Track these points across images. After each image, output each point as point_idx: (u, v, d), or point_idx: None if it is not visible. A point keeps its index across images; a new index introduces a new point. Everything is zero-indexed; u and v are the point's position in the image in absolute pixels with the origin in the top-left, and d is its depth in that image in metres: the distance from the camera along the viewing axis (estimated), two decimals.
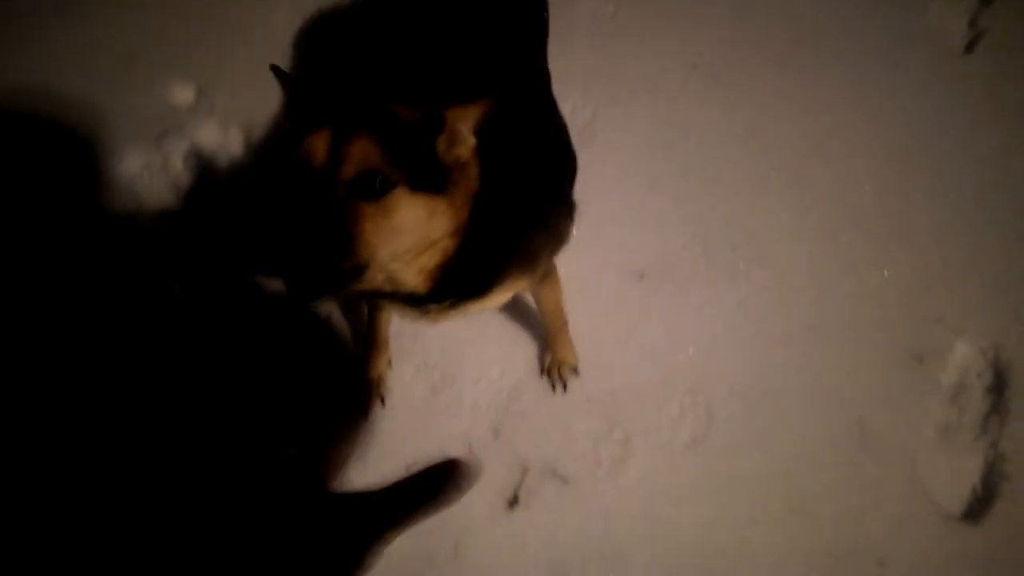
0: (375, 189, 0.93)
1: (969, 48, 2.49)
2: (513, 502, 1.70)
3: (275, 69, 1.12)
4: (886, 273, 2.06)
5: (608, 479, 1.74)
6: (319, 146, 0.93)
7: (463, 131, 1.02)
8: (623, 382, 1.88)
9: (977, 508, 1.73)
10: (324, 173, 0.93)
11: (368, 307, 1.78)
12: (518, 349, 1.93)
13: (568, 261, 2.01)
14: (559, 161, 1.55)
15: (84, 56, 2.43)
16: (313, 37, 2.53)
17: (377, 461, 1.70)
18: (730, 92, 2.44)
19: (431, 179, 0.99)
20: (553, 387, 1.85)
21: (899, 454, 1.80)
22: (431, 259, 1.08)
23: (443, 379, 1.87)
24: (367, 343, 1.80)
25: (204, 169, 2.24)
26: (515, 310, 1.94)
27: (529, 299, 1.86)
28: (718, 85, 2.47)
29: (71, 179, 2.22)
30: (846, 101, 2.40)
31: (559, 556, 1.65)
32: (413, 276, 1.10)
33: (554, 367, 1.86)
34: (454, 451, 1.76)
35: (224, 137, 2.32)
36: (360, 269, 0.97)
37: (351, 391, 1.83)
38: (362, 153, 0.93)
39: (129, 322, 1.96)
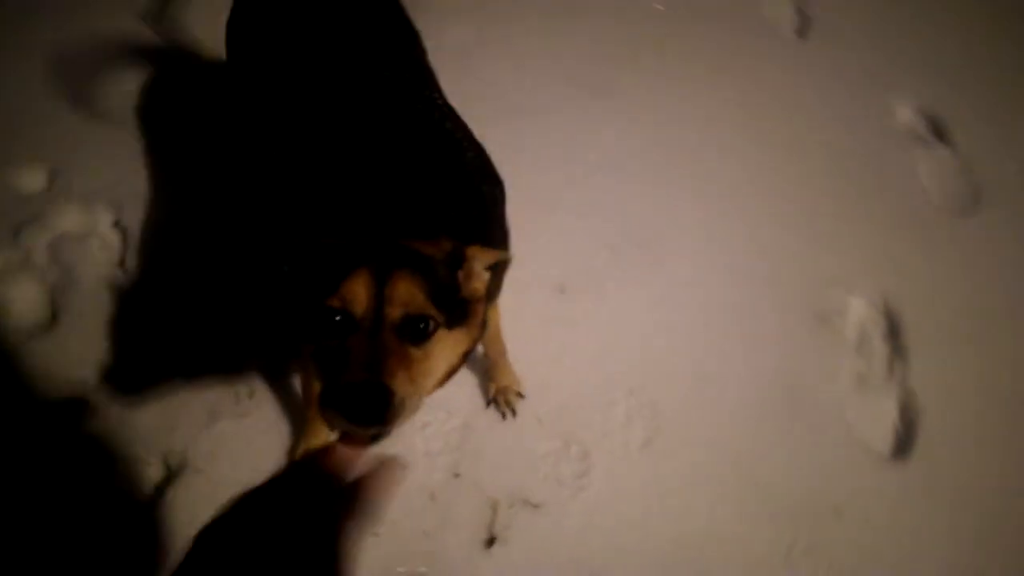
0: (419, 331, 0.91)
1: (801, 33, 2.76)
2: (490, 542, 1.66)
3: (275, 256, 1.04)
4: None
5: (575, 495, 1.75)
6: (360, 292, 0.89)
7: (479, 267, 1.02)
8: (567, 396, 1.89)
9: (904, 443, 1.89)
10: (368, 320, 0.89)
11: (303, 380, 1.69)
12: (459, 388, 1.89)
13: None
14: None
15: None
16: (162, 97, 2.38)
17: None
18: (607, 102, 2.55)
19: (459, 314, 0.98)
20: (503, 415, 1.84)
21: (827, 410, 1.93)
22: (443, 381, 1.05)
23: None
24: (307, 411, 1.71)
25: (74, 259, 2.03)
26: None
27: None
28: (595, 96, 2.56)
29: None
30: (712, 95, 2.57)
31: None
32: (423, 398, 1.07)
33: (499, 395, 1.85)
34: (416, 504, 1.71)
35: (90, 220, 2.12)
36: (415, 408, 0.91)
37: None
38: (408, 294, 0.90)
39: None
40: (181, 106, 2.38)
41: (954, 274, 2.22)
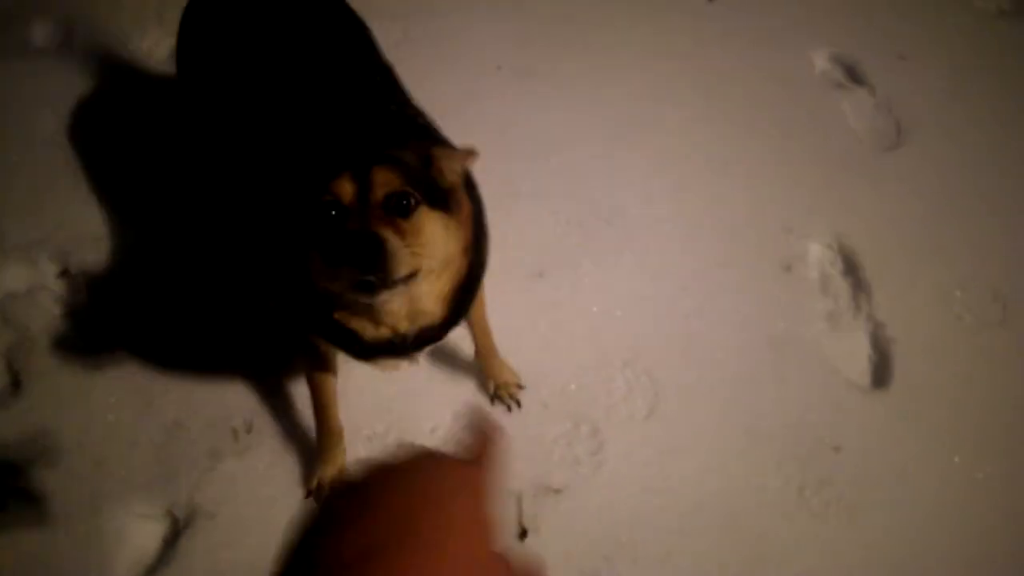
0: (403, 207, 1.08)
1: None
2: (523, 534, 1.67)
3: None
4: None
5: (595, 473, 1.78)
6: (345, 185, 1.06)
7: (449, 166, 1.17)
8: (567, 378, 1.92)
9: (882, 373, 2.01)
10: (357, 203, 1.06)
11: (314, 396, 1.64)
12: (457, 387, 1.88)
13: None
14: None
15: None
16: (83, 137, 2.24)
17: None
18: (543, 84, 2.57)
19: (439, 200, 1.14)
20: (508, 408, 1.84)
21: (807, 352, 2.03)
22: (447, 283, 1.25)
23: (400, 440, 1.78)
24: (319, 436, 1.67)
25: (26, 318, 1.89)
26: (435, 355, 1.90)
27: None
28: (527, 79, 2.58)
29: None
30: (644, 69, 2.64)
31: (584, 565, 1.65)
32: (433, 303, 1.25)
33: (501, 389, 1.85)
34: None
35: (35, 273, 1.97)
36: (413, 275, 1.09)
37: None
38: (386, 179, 1.07)
39: None
40: (115, 130, 2.24)
41: (894, 204, 2.36)
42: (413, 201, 1.08)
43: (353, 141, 1.26)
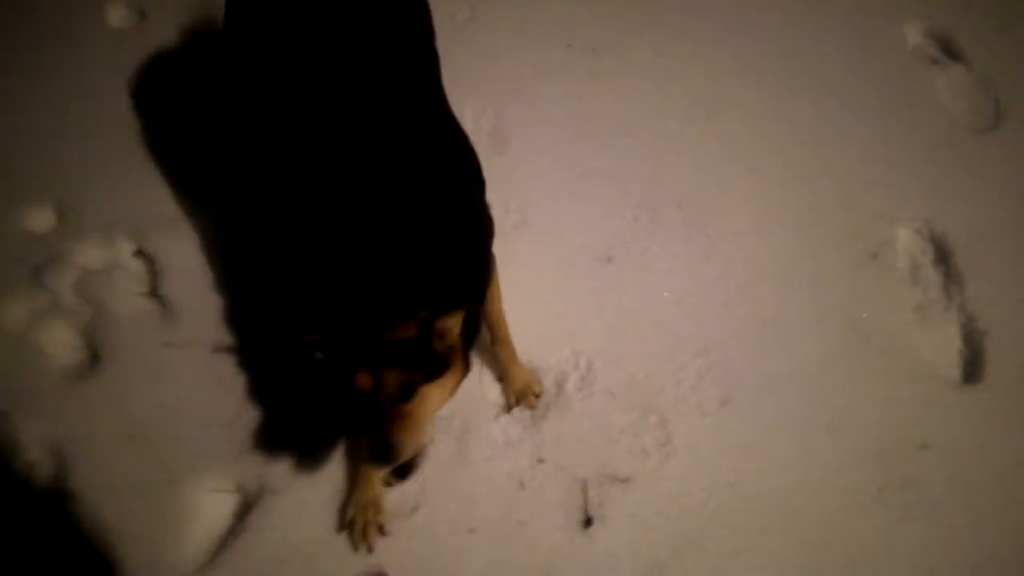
0: (407, 392, 1.33)
1: None
2: (588, 522, 1.64)
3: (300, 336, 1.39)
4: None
5: (663, 463, 1.72)
6: (365, 380, 1.32)
7: (448, 328, 1.37)
8: (635, 366, 1.86)
9: (973, 367, 1.88)
10: (373, 394, 1.33)
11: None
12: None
13: (543, 272, 1.98)
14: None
15: None
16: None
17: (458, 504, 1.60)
18: (612, 61, 2.48)
19: (439, 367, 1.38)
20: (532, 407, 1.80)
21: (893, 344, 1.92)
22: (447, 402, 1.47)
23: (466, 432, 1.76)
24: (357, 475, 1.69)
25: (103, 295, 1.95)
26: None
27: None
28: (598, 57, 2.50)
29: None
30: (721, 47, 2.52)
31: (651, 555, 1.61)
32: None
33: (519, 398, 1.80)
34: (507, 494, 1.68)
35: (111, 253, 2.03)
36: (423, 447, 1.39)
37: None
38: (392, 378, 1.32)
39: None
40: (188, 112, 2.28)
41: (991, 189, 2.20)
42: (415, 386, 1.34)
43: (368, 307, 1.41)
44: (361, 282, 1.42)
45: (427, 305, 1.35)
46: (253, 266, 1.98)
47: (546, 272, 1.99)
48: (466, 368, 1.46)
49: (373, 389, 1.32)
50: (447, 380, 1.39)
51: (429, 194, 1.51)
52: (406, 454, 1.33)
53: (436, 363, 1.38)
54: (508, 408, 1.81)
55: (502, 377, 1.83)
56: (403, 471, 1.41)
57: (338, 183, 1.51)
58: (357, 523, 1.62)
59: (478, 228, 1.63)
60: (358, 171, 1.51)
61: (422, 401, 1.35)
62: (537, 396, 1.82)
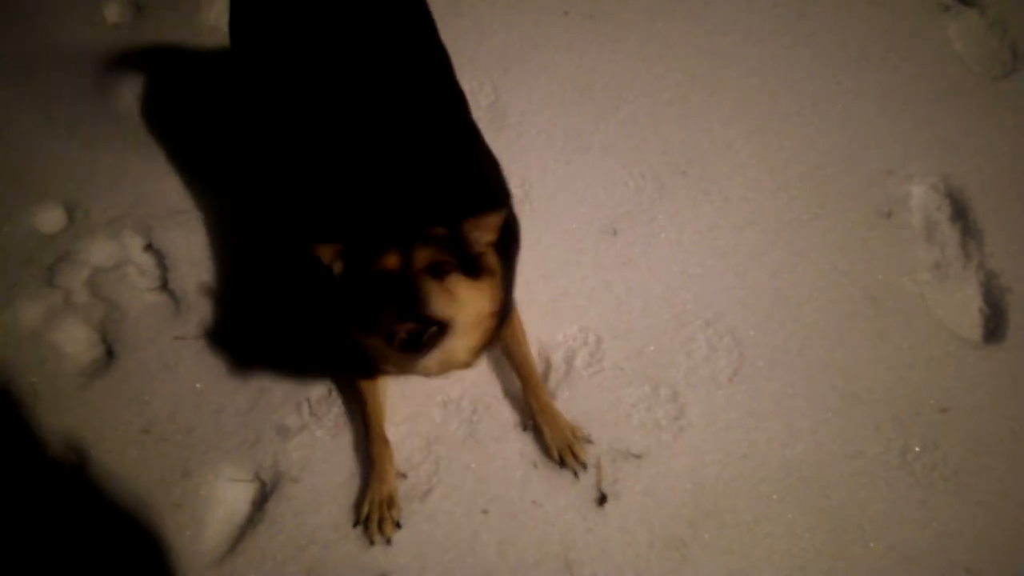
0: (440, 272, 1.31)
1: None
2: (602, 500, 1.63)
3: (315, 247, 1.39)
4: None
5: (676, 437, 1.71)
6: (392, 259, 1.31)
7: (477, 236, 1.38)
8: (644, 339, 1.84)
9: (995, 327, 1.84)
10: (401, 272, 1.30)
11: (360, 403, 1.70)
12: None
13: (547, 248, 1.96)
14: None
15: None
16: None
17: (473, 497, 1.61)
18: (609, 27, 2.42)
19: (471, 268, 1.36)
20: (576, 473, 1.65)
21: (909, 305, 1.87)
22: (479, 339, 1.42)
23: (476, 413, 1.76)
24: (368, 445, 1.69)
25: (115, 291, 1.96)
26: None
27: None
28: (596, 22, 2.44)
29: None
30: (715, 8, 2.45)
31: (668, 530, 1.60)
32: (464, 355, 1.44)
33: (565, 450, 1.66)
34: (520, 474, 1.68)
35: (120, 249, 2.04)
36: (445, 329, 1.30)
37: None
38: (425, 254, 1.31)
39: None
40: (188, 105, 2.27)
41: (1009, 139, 2.13)
42: (447, 268, 1.31)
43: (399, 210, 1.46)
44: (392, 194, 1.48)
45: (455, 215, 1.38)
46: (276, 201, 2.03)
47: (551, 248, 1.97)
48: (505, 296, 1.42)
49: (402, 268, 1.29)
50: (481, 284, 1.36)
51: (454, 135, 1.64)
52: (435, 306, 1.25)
53: (468, 260, 1.35)
54: (559, 464, 1.66)
55: (538, 427, 1.69)
56: (417, 342, 1.27)
57: (372, 134, 1.57)
58: (372, 518, 1.62)
59: (496, 167, 1.73)
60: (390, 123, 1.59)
61: (454, 287, 1.31)
62: (588, 440, 1.69)
